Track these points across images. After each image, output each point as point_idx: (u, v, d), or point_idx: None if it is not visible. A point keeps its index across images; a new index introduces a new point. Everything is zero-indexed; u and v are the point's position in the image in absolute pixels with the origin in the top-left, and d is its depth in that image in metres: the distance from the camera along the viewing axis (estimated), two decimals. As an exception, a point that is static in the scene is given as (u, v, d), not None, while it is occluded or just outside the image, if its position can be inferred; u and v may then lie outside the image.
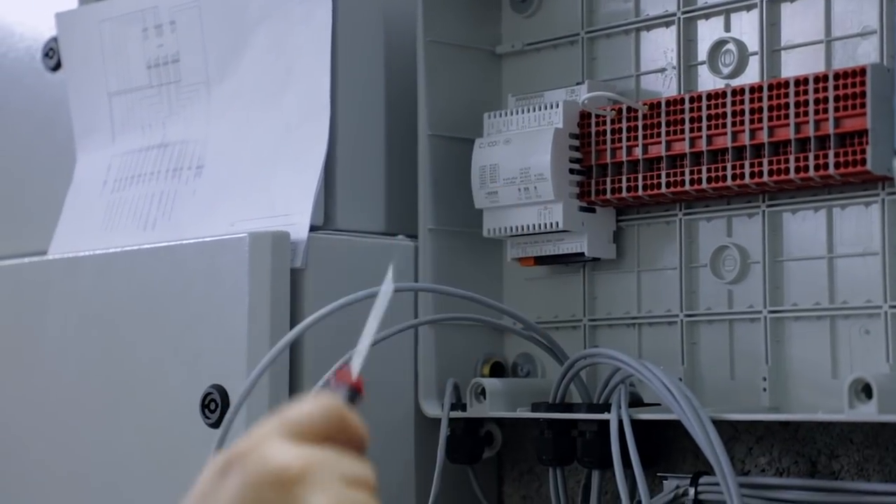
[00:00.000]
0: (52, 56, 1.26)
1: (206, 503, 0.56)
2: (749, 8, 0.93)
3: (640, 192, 0.94)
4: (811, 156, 0.86)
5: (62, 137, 1.24)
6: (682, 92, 0.96)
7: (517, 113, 0.99)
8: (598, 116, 0.96)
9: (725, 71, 0.94)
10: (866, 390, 0.80)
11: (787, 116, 0.87)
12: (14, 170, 1.30)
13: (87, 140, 1.21)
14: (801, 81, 0.86)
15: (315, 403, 0.59)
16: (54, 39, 1.25)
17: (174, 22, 1.14)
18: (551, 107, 0.97)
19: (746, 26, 0.93)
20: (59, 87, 1.24)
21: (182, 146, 1.14)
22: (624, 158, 0.95)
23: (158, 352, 1.04)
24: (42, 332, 1.14)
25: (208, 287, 1.01)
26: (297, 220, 1.01)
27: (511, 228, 0.99)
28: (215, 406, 0.98)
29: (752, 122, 0.88)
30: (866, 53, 0.87)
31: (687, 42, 0.96)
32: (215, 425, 0.97)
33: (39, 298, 1.15)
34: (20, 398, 1.16)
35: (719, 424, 0.87)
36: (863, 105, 0.83)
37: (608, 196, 0.95)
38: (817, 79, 0.86)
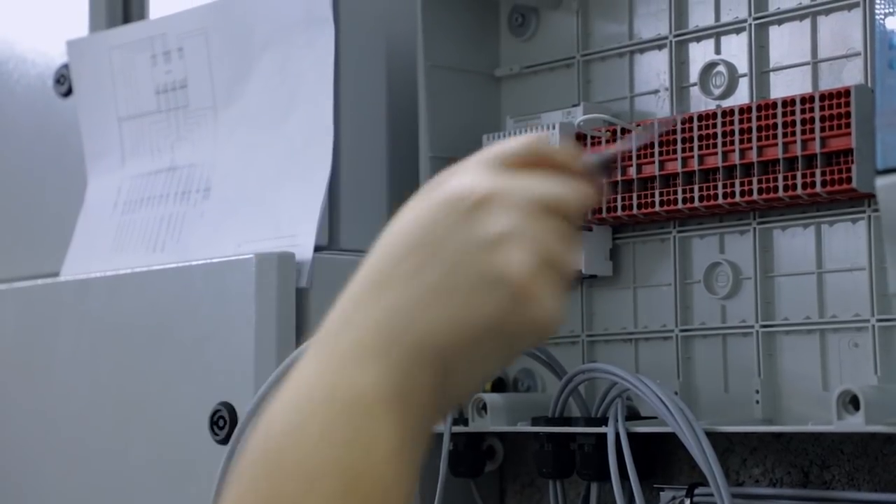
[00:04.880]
0: (63, 82, 1.28)
1: (401, 214, 0.62)
2: (738, 31, 0.95)
3: (635, 211, 0.96)
4: (799, 174, 0.88)
5: (73, 162, 1.26)
6: (674, 113, 0.98)
7: (515, 134, 1.01)
8: (593, 138, 0.99)
9: (716, 92, 0.96)
10: (854, 402, 0.82)
11: (775, 136, 0.89)
12: (27, 194, 1.33)
13: (98, 164, 1.24)
14: (788, 102, 0.88)
15: (517, 138, 0.64)
16: (65, 66, 1.27)
17: (182, 48, 1.16)
18: (548, 128, 0.99)
19: (736, 49, 0.96)
20: (71, 113, 1.26)
21: (190, 169, 1.16)
22: (619, 178, 0.97)
23: (168, 370, 1.06)
24: (54, 353, 1.16)
25: (216, 307, 1.03)
26: (301, 240, 1.03)
27: (510, 247, 1.01)
28: (224, 423, 1.00)
29: (741, 141, 0.90)
30: (851, 75, 0.89)
31: (679, 64, 0.99)
32: (224, 441, 0.99)
33: (51, 319, 1.17)
34: (32, 417, 1.18)
35: (713, 437, 0.89)
36: (848, 125, 0.85)
37: (604, 214, 0.98)
38: (804, 100, 0.88)
